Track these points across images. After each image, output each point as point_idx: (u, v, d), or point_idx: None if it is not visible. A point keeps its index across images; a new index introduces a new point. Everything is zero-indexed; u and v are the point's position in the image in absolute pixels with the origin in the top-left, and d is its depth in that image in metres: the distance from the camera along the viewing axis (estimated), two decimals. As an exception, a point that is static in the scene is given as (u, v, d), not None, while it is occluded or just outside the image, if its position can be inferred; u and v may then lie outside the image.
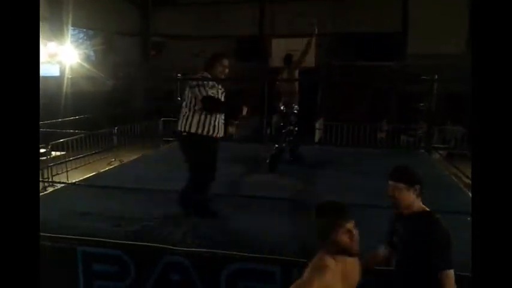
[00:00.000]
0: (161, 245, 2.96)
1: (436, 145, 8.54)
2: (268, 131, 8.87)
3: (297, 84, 5.64)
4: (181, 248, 2.92)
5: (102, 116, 10.53)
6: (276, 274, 2.75)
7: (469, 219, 3.21)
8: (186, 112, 3.50)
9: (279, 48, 12.54)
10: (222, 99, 3.60)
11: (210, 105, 3.42)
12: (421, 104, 8.23)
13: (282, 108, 5.62)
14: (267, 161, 5.42)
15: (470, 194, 4.25)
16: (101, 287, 3.04)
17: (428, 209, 2.10)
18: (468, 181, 5.42)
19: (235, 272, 2.80)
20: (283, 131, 5.57)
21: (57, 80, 10.09)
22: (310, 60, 12.07)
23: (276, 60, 12.70)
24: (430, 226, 2.02)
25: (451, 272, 1.95)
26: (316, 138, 10.16)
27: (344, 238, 1.76)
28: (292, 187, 4.57)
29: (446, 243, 1.97)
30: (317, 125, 10.46)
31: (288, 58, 5.68)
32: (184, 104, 3.56)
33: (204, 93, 3.41)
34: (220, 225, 3.28)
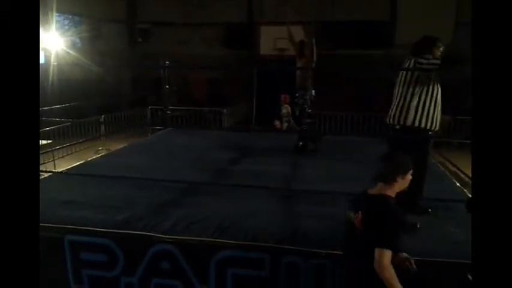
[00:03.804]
0: (150, 234, 2.96)
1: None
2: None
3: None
4: (170, 236, 2.92)
5: (89, 104, 10.40)
6: (265, 261, 2.78)
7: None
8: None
9: (267, 35, 12.50)
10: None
11: None
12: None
13: (296, 95, 5.75)
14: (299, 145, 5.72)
15: (457, 183, 4.36)
16: (90, 276, 3.03)
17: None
18: (454, 169, 5.51)
19: (224, 260, 2.82)
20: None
21: (43, 68, 9.89)
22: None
23: (265, 48, 12.71)
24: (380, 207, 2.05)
25: (387, 252, 1.93)
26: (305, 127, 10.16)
27: None
28: (281, 175, 4.59)
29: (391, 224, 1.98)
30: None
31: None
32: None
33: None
34: (209, 214, 3.28)
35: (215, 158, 5.31)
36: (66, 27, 12.29)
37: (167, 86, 7.47)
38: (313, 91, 5.70)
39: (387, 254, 1.92)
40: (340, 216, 3.26)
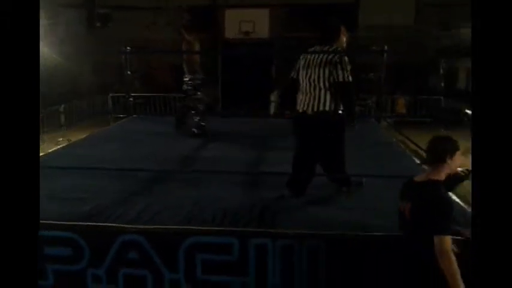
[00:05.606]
0: (116, 224, 2.91)
1: (385, 114, 8.85)
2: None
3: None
4: (136, 226, 2.88)
5: (48, 93, 9.98)
6: (234, 246, 2.79)
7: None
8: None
9: (232, 19, 12.36)
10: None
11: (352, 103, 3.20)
12: (371, 74, 8.45)
13: (186, 78, 5.84)
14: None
15: (417, 160, 4.51)
16: (55, 271, 2.94)
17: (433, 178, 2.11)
18: (414, 147, 5.69)
19: (192, 246, 2.81)
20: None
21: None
22: (263, 32, 12.04)
23: (230, 32, 12.56)
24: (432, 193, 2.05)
25: (447, 238, 1.95)
26: (272, 111, 10.22)
27: None
28: (245, 160, 4.60)
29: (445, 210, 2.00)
30: (272, 98, 10.50)
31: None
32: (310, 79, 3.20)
33: (350, 78, 3.07)
34: (174, 201, 3.26)
35: (180, 145, 5.25)
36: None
37: (129, 72, 7.25)
38: (200, 75, 5.87)
39: (448, 240, 1.93)
40: (306, 197, 3.34)
